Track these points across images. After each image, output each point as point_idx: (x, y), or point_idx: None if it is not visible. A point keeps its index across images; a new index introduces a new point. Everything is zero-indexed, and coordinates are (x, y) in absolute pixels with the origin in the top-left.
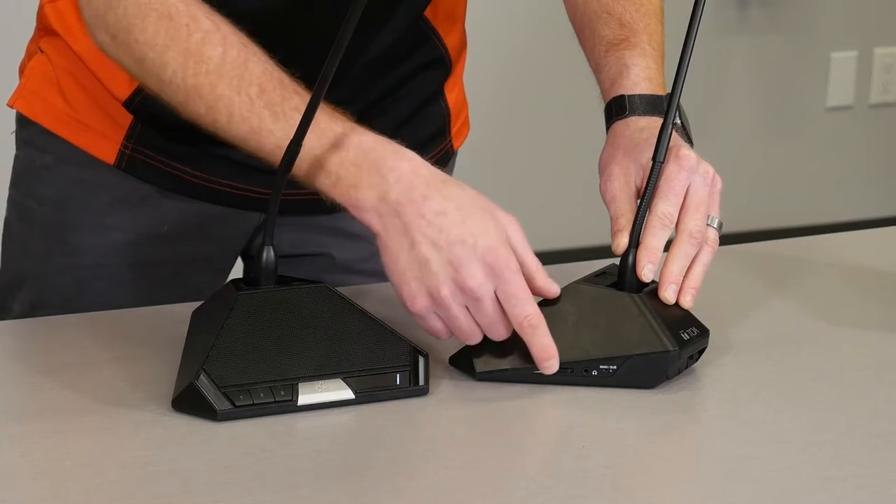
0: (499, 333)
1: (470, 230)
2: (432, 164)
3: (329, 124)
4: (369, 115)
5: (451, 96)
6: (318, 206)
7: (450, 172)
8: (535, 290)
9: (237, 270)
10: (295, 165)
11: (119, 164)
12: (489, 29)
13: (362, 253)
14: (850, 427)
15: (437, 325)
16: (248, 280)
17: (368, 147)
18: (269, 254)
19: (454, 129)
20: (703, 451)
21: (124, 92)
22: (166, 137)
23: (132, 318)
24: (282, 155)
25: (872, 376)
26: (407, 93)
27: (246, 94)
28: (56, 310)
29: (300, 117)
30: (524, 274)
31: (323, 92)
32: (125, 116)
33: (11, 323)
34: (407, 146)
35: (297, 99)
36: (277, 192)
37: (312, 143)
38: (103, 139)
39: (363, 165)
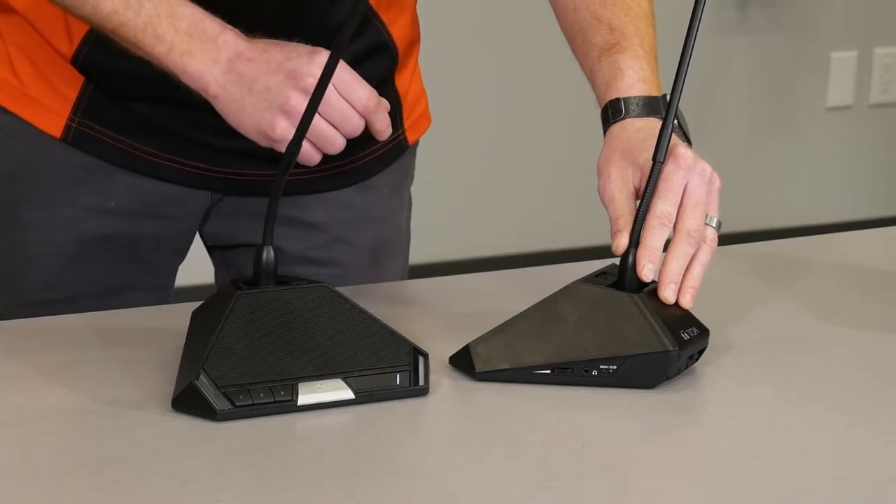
0: (354, 125)
1: (292, 49)
2: (382, 155)
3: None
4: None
5: (402, 86)
6: (266, 187)
7: (407, 167)
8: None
9: (206, 261)
10: (134, 36)
11: (66, 137)
12: (490, 29)
13: (314, 241)
14: (850, 427)
15: (303, 147)
16: (248, 280)
17: (199, 19)
18: (269, 254)
19: (408, 122)
20: (703, 451)
21: (69, 47)
22: (113, 104)
23: (132, 318)
24: (117, 22)
25: (872, 376)
26: None
27: None
28: (8, 288)
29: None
30: None
31: (324, 90)
32: (72, 89)
33: (11, 323)
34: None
35: None
36: (277, 192)
37: (150, 9)
38: (50, 113)
39: (194, 34)
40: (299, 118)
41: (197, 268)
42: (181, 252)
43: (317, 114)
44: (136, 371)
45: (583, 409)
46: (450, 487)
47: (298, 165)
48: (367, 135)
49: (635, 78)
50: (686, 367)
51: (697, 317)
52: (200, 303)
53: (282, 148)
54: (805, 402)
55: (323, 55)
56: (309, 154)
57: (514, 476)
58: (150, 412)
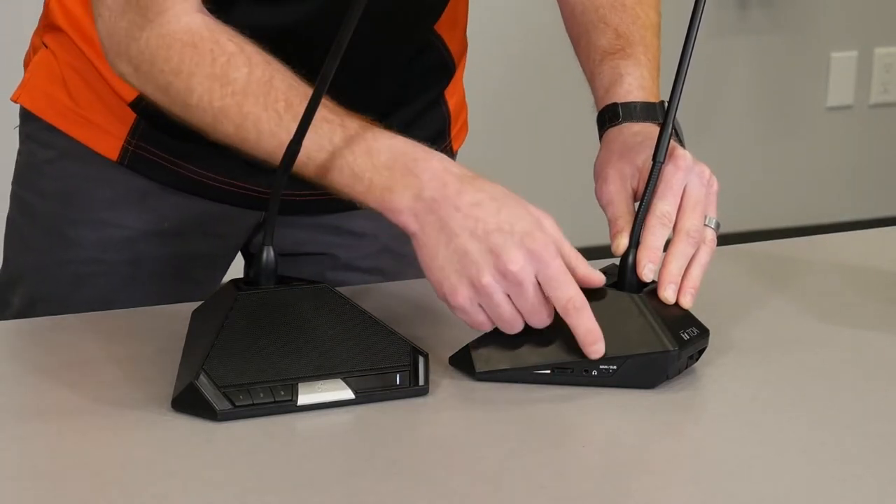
0: (541, 319)
1: (506, 218)
2: None
3: (357, 129)
4: (365, 101)
5: (451, 100)
6: (320, 206)
7: None
8: (578, 280)
9: (237, 267)
10: (329, 174)
11: (122, 160)
12: (491, 31)
13: (365, 250)
14: (850, 427)
15: (480, 317)
16: (248, 280)
17: (399, 150)
18: (269, 254)
19: (454, 131)
20: (703, 451)
21: (130, 94)
22: (170, 135)
23: (132, 318)
24: (312, 166)
25: (872, 376)
26: (411, 98)
27: (273, 109)
28: (54, 305)
29: (328, 126)
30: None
31: (325, 88)
32: (129, 113)
33: (11, 323)
34: None
35: (324, 110)
36: (277, 192)
37: (342, 147)
38: (107, 135)
39: (395, 168)
40: (487, 297)
41: None
42: (226, 268)
43: (506, 295)
44: (136, 371)
45: (583, 409)
46: (450, 487)
47: None
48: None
49: (635, 85)
50: (686, 367)
51: (697, 317)
52: (200, 303)
53: (457, 312)
54: (805, 403)
55: (538, 243)
56: (484, 325)
57: (515, 476)
58: (150, 412)
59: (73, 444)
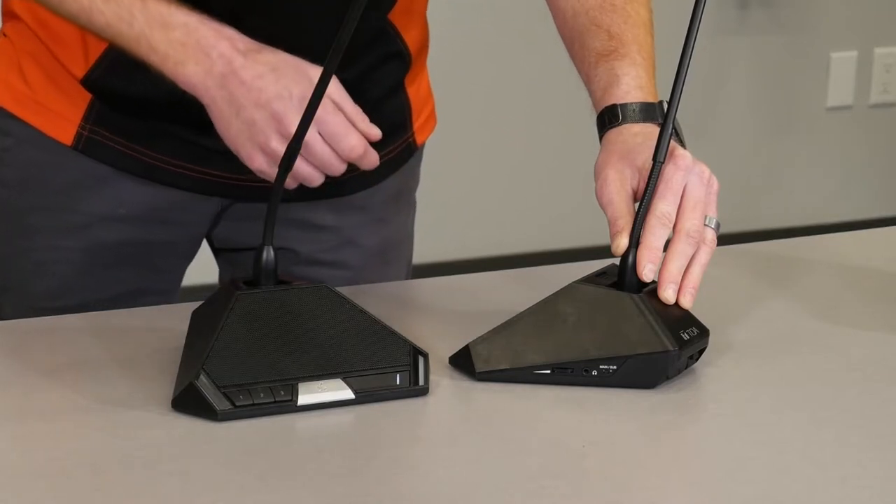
0: (334, 169)
1: (285, 85)
2: (393, 158)
3: (157, 7)
4: None
5: (412, 90)
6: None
7: (413, 168)
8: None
9: (209, 261)
10: (129, 45)
11: (77, 145)
12: (491, 30)
13: (326, 244)
14: (850, 427)
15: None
16: (248, 280)
17: (192, 27)
18: (268, 254)
19: (417, 124)
20: (703, 451)
21: (81, 69)
22: (125, 113)
23: (132, 318)
24: (111, 34)
25: (872, 376)
26: (366, 88)
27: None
28: (16, 294)
29: (133, 3)
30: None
31: (323, 92)
32: (84, 97)
33: (11, 323)
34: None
35: None
36: (277, 192)
37: (140, 20)
38: (61, 120)
39: (188, 44)
40: (277, 159)
41: (198, 268)
42: (189, 257)
43: (300, 156)
44: (136, 371)
45: (583, 409)
46: (450, 487)
47: None
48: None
49: (632, 85)
50: (686, 367)
51: (697, 317)
52: (200, 303)
53: (258, 175)
54: (804, 403)
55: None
56: (287, 183)
57: (514, 476)
58: (150, 412)
59: (73, 444)
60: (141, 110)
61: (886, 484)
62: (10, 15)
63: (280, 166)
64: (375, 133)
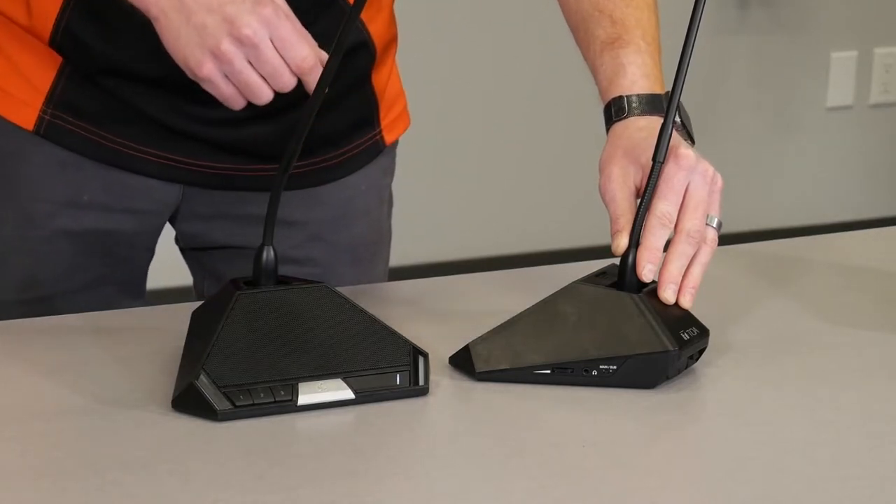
0: (284, 81)
1: None
2: (357, 155)
3: None
4: (289, 98)
5: (379, 84)
6: (239, 182)
7: (386, 165)
8: None
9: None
10: None
11: (38, 130)
12: (491, 29)
13: (295, 240)
14: (850, 427)
15: (228, 89)
16: (248, 280)
17: None
18: (269, 254)
19: (385, 121)
20: (703, 451)
21: (47, 24)
22: (88, 92)
23: (132, 318)
24: None
25: (873, 376)
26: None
27: None
28: None
29: None
30: None
31: (325, 90)
32: (45, 80)
33: (11, 323)
34: (330, 133)
35: None
36: (278, 192)
37: None
38: (22, 105)
39: None
40: (228, 64)
41: (183, 269)
42: (150, 250)
43: (247, 62)
44: (136, 371)
45: (583, 409)
46: (450, 487)
47: (273, 160)
48: (343, 134)
49: (638, 74)
50: (686, 367)
51: (697, 317)
52: (200, 303)
53: (206, 86)
54: (805, 403)
55: (267, 9)
56: (234, 98)
57: (514, 476)
58: (150, 412)
59: (73, 444)
60: (109, 64)
61: (886, 484)
62: None
63: (281, 165)
64: (323, 56)
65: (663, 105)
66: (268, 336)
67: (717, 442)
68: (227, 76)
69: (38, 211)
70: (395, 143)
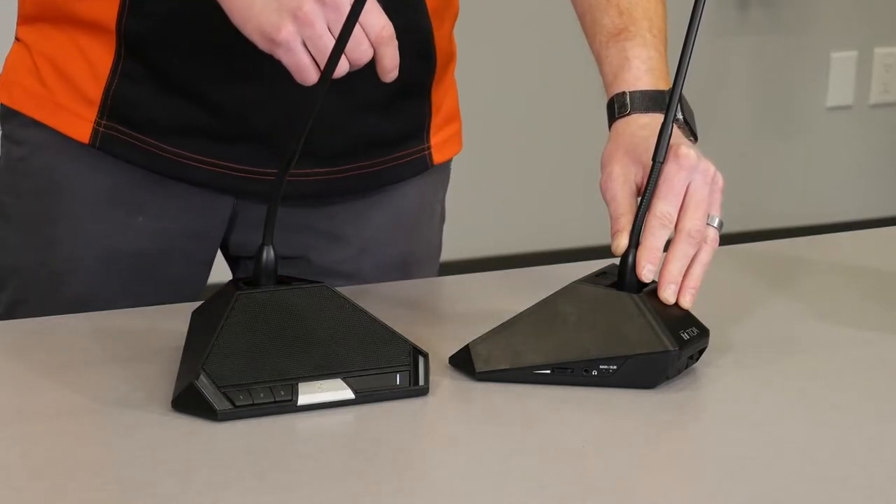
0: (362, 50)
1: None
2: (401, 165)
3: None
4: (354, 76)
5: (436, 98)
6: (290, 190)
7: (437, 183)
8: None
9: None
10: None
11: (94, 142)
12: (491, 28)
13: (341, 255)
14: (850, 427)
15: (304, 58)
16: (248, 280)
17: None
18: (269, 254)
19: (435, 138)
20: (703, 451)
21: (111, 11)
22: (138, 100)
23: (132, 318)
24: None
25: (872, 376)
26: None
27: None
28: (35, 306)
29: None
30: None
31: (323, 94)
32: (97, 90)
33: (11, 323)
34: (378, 137)
35: None
36: (278, 192)
37: None
38: (77, 118)
39: None
40: (309, 26)
41: None
42: (208, 264)
43: (328, 31)
44: (136, 371)
45: (583, 409)
46: (450, 487)
47: (317, 165)
48: (391, 140)
49: (642, 69)
50: (686, 367)
51: (697, 317)
52: (200, 303)
53: (282, 54)
54: (805, 402)
55: None
56: (308, 69)
57: (514, 476)
58: (150, 412)
59: (73, 444)
60: (163, 76)
61: (886, 484)
62: (24, 19)
63: (282, 165)
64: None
65: (666, 101)
66: (268, 336)
67: (717, 442)
68: (304, 43)
69: (93, 231)
70: (449, 163)
